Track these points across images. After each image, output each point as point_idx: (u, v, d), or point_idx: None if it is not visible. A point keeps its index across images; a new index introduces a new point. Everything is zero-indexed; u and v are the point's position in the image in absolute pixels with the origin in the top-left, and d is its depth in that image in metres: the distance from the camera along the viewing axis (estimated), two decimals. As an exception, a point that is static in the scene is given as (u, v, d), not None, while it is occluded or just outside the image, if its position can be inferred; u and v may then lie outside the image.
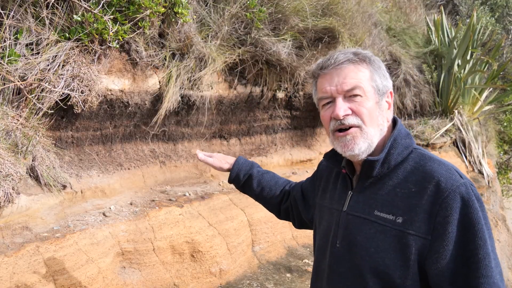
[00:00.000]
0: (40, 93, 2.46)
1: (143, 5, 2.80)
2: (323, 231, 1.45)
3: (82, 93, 2.61)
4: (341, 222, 1.35)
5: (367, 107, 1.27)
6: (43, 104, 2.47)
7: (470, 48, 7.04)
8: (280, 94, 4.42)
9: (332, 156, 1.45)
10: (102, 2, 2.66)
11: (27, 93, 2.42)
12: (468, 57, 7.21)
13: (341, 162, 1.42)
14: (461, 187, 1.17)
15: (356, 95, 1.27)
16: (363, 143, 1.28)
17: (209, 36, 3.46)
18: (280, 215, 1.87)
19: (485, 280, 1.12)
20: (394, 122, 1.38)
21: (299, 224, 1.81)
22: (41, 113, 2.50)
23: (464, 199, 1.15)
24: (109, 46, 2.76)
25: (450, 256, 1.14)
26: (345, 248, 1.32)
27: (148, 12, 2.87)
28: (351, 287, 1.30)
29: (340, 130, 1.30)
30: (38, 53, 2.49)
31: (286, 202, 1.82)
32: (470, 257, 1.13)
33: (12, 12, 2.41)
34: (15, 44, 2.42)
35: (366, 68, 1.30)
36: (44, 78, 2.45)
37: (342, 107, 1.27)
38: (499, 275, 1.15)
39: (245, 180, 1.86)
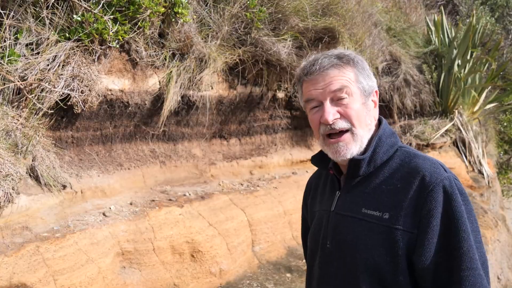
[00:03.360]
0: (40, 93, 2.45)
1: (143, 5, 2.80)
2: (313, 234, 1.45)
3: (82, 93, 2.61)
4: (330, 222, 1.36)
5: (355, 108, 1.28)
6: (43, 104, 2.47)
7: (470, 48, 7.04)
8: (280, 94, 4.42)
9: (320, 158, 1.45)
10: (102, 2, 2.65)
11: (27, 93, 2.42)
12: (468, 57, 7.20)
13: (328, 163, 1.43)
14: (445, 181, 1.19)
15: (342, 98, 1.27)
16: (355, 147, 1.29)
17: (209, 36, 3.46)
18: None
19: (470, 272, 1.13)
20: (379, 121, 1.39)
21: None
22: (41, 113, 2.49)
23: (447, 193, 1.18)
24: (109, 46, 2.75)
25: (434, 249, 1.16)
26: (336, 248, 1.33)
27: (148, 12, 2.87)
28: (342, 287, 1.30)
29: (330, 135, 1.30)
30: (38, 53, 2.49)
31: None
32: (454, 250, 1.15)
33: (12, 12, 2.41)
34: (15, 44, 2.42)
35: (351, 71, 1.30)
36: (44, 78, 2.45)
37: (330, 112, 1.27)
38: (483, 266, 1.16)
39: None
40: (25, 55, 2.44)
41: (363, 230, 1.25)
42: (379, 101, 1.46)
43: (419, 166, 1.24)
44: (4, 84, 2.33)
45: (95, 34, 2.62)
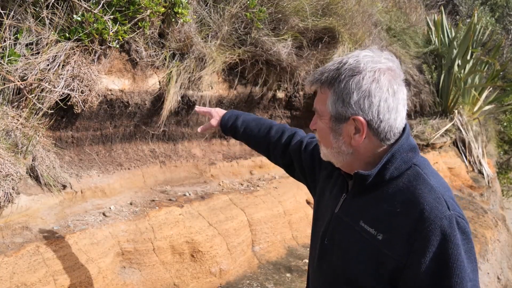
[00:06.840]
0: (40, 93, 2.45)
1: (143, 5, 2.80)
2: (317, 225, 1.49)
3: (82, 93, 2.61)
4: (332, 221, 1.37)
5: (319, 126, 1.33)
6: (43, 104, 2.47)
7: (470, 48, 7.04)
8: (280, 94, 4.42)
9: None
10: (102, 2, 2.66)
11: (27, 93, 2.42)
12: (468, 57, 7.21)
13: None
14: (443, 220, 1.12)
15: (317, 114, 1.35)
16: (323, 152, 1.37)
17: (209, 36, 3.46)
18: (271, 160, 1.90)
19: None
20: (403, 130, 1.28)
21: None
22: (41, 113, 2.49)
23: (444, 233, 1.12)
24: (109, 46, 2.76)
25: (420, 286, 1.13)
26: (330, 246, 1.35)
27: (148, 12, 2.87)
28: (327, 286, 1.35)
29: None
30: (38, 53, 2.49)
31: (284, 159, 1.80)
32: None
33: (12, 12, 2.41)
34: (15, 44, 2.42)
35: (327, 91, 1.27)
36: (44, 78, 2.45)
37: (313, 121, 1.38)
38: None
39: (232, 134, 1.94)
40: (25, 55, 2.44)
41: (356, 242, 1.25)
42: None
43: (422, 196, 1.17)
44: (4, 84, 2.33)
45: (95, 34, 2.62)
